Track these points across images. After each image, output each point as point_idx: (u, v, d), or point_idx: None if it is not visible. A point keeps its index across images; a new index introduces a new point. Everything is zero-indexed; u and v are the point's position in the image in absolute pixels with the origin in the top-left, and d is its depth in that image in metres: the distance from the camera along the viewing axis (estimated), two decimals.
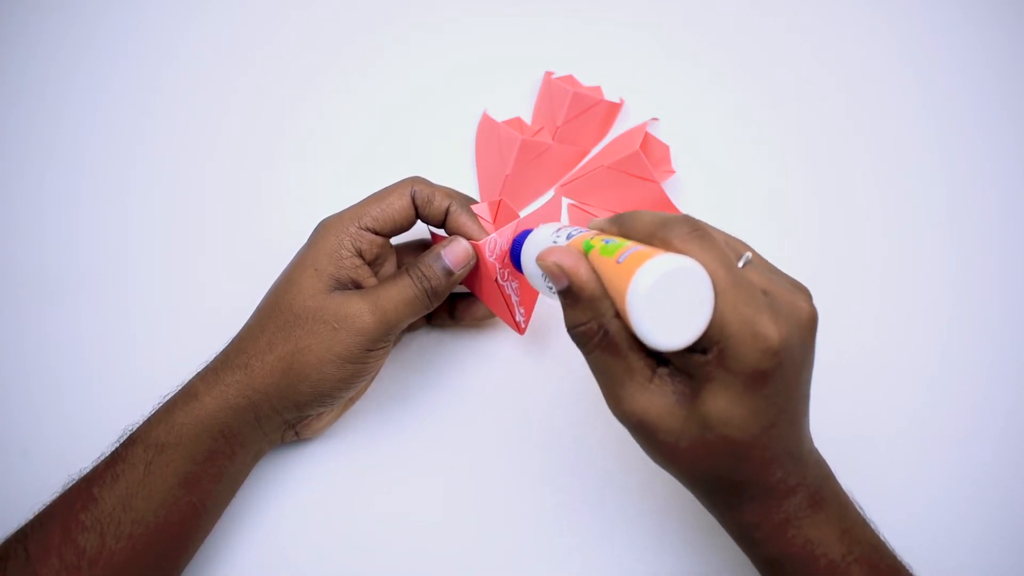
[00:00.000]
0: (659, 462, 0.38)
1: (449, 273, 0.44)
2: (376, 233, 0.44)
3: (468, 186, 0.58)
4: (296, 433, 0.47)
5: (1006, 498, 0.49)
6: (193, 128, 0.60)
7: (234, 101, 0.61)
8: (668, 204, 0.56)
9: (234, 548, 0.47)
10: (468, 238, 0.45)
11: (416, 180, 0.45)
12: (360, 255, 0.44)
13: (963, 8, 0.65)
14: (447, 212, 0.45)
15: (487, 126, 0.58)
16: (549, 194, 0.58)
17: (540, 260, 0.37)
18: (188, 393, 0.42)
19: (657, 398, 0.35)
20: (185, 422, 0.41)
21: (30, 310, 0.53)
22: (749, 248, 0.37)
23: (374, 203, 0.44)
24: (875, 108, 0.61)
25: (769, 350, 0.33)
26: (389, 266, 0.48)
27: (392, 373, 0.51)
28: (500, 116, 0.59)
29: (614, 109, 0.59)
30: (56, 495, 0.41)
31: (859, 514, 0.39)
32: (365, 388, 0.50)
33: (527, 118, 0.60)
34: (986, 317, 0.54)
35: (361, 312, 0.42)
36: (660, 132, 0.59)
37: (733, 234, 0.38)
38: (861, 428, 0.51)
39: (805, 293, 0.36)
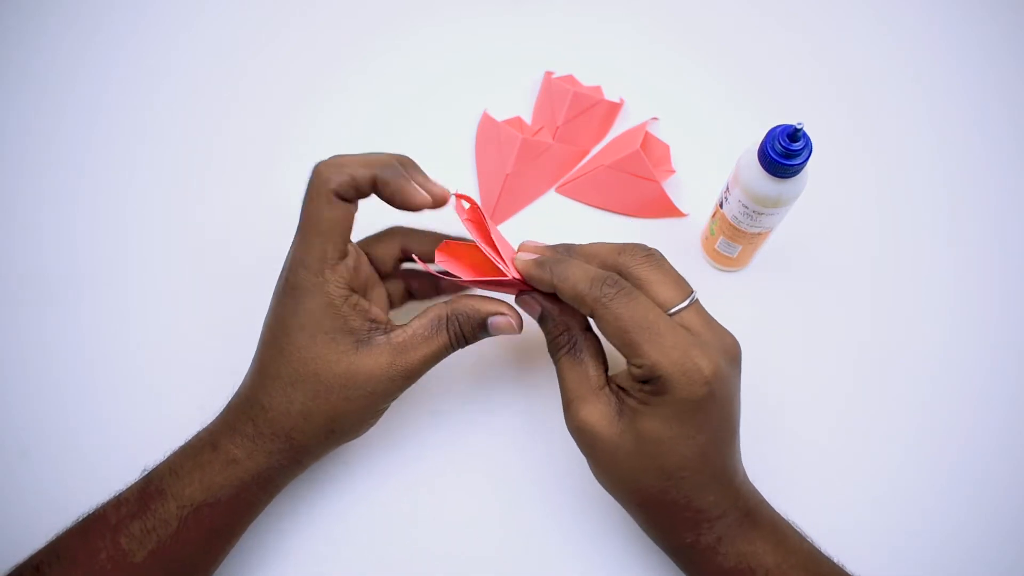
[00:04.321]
0: (602, 479, 0.41)
1: (486, 333, 0.43)
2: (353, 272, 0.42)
3: (468, 186, 0.58)
4: None
5: (1005, 500, 0.49)
6: (194, 128, 0.60)
7: (234, 102, 0.61)
8: (668, 203, 0.56)
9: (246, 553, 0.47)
10: (409, 208, 0.41)
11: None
12: (354, 290, 0.41)
13: (963, 8, 0.65)
14: (375, 181, 0.41)
15: (487, 126, 0.58)
16: (549, 193, 0.58)
17: (519, 303, 0.43)
18: (225, 458, 0.40)
19: (602, 405, 0.39)
20: (224, 484, 0.40)
21: (30, 310, 0.53)
22: (692, 292, 0.40)
23: (323, 233, 0.40)
24: (875, 108, 0.61)
25: (700, 380, 0.37)
26: (364, 265, 0.45)
27: None
28: (500, 116, 0.59)
29: (614, 109, 0.59)
30: (69, 528, 0.40)
31: (794, 529, 0.41)
32: None
33: (527, 118, 0.60)
34: (986, 318, 0.54)
35: (395, 379, 0.41)
36: (660, 132, 0.59)
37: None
38: (858, 427, 0.51)
39: (731, 335, 0.40)
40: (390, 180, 0.40)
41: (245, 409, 0.41)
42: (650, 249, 0.41)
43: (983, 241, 0.56)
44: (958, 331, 0.54)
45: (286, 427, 0.41)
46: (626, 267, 0.40)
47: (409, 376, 0.41)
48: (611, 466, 0.40)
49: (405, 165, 0.41)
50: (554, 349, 0.42)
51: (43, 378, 0.52)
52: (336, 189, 0.39)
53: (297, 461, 0.42)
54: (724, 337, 0.40)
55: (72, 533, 0.40)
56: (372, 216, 0.45)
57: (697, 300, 0.40)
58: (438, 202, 0.41)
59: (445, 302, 0.43)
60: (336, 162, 0.40)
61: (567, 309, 0.42)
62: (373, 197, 0.41)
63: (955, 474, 0.50)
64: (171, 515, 0.39)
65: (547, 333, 0.42)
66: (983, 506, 0.49)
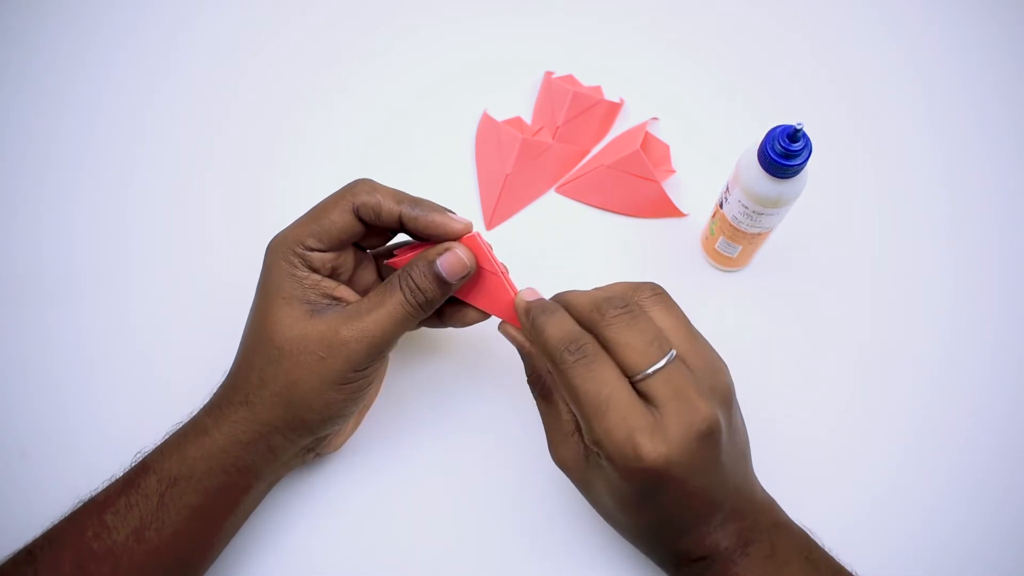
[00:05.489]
0: (593, 507, 0.42)
1: (445, 283, 0.41)
2: (324, 250, 0.41)
3: (468, 186, 0.58)
4: (316, 454, 0.46)
5: (1005, 500, 0.49)
6: (194, 128, 0.60)
7: (234, 102, 0.61)
8: (668, 203, 0.56)
9: (245, 565, 0.47)
10: (449, 236, 0.41)
11: (358, 190, 0.41)
12: (316, 271, 0.41)
13: (963, 8, 0.65)
14: (401, 218, 0.41)
15: (487, 126, 0.58)
16: (549, 193, 0.58)
17: (502, 331, 0.43)
18: (198, 428, 0.41)
19: (572, 451, 0.40)
20: (197, 456, 0.40)
21: (30, 310, 0.53)
22: (671, 349, 0.37)
23: (312, 222, 0.41)
24: (875, 108, 0.61)
25: (637, 468, 0.35)
26: (367, 273, 0.45)
27: (399, 379, 0.51)
28: (500, 116, 0.59)
29: (614, 109, 0.59)
30: (64, 515, 0.41)
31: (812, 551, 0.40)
32: (375, 395, 0.49)
33: (527, 118, 0.60)
34: (986, 318, 0.54)
35: (347, 341, 0.40)
36: (660, 132, 0.59)
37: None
38: (858, 427, 0.51)
39: (707, 404, 0.36)
40: (419, 216, 0.41)
41: (223, 382, 0.43)
42: (629, 301, 0.38)
43: (983, 241, 0.56)
44: (958, 331, 0.54)
45: (246, 392, 0.41)
46: (596, 326, 0.37)
47: (364, 338, 0.40)
48: (594, 502, 0.41)
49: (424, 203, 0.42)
50: (530, 385, 0.43)
51: (43, 378, 0.52)
52: (357, 205, 0.41)
53: (262, 437, 0.41)
54: (697, 407, 0.35)
55: (65, 518, 0.41)
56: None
57: (676, 360, 0.36)
58: (466, 230, 0.41)
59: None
60: (372, 186, 0.42)
61: (535, 348, 0.42)
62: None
63: (955, 474, 0.50)
64: (151, 490, 0.40)
65: (525, 368, 0.43)
66: (983, 506, 0.49)
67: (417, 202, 0.41)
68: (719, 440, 0.36)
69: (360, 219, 0.41)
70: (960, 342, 0.53)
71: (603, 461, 0.37)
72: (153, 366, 0.52)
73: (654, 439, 0.35)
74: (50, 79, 0.61)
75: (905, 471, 0.50)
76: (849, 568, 0.40)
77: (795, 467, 0.49)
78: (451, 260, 0.40)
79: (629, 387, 0.36)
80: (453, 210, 0.43)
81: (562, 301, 0.40)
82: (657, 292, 0.39)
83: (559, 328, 0.37)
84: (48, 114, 0.60)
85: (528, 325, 0.39)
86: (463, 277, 0.41)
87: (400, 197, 0.41)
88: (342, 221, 0.41)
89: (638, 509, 0.38)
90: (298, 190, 0.57)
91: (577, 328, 0.38)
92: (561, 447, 0.40)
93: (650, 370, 0.36)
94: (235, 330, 0.46)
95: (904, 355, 0.53)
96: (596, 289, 0.41)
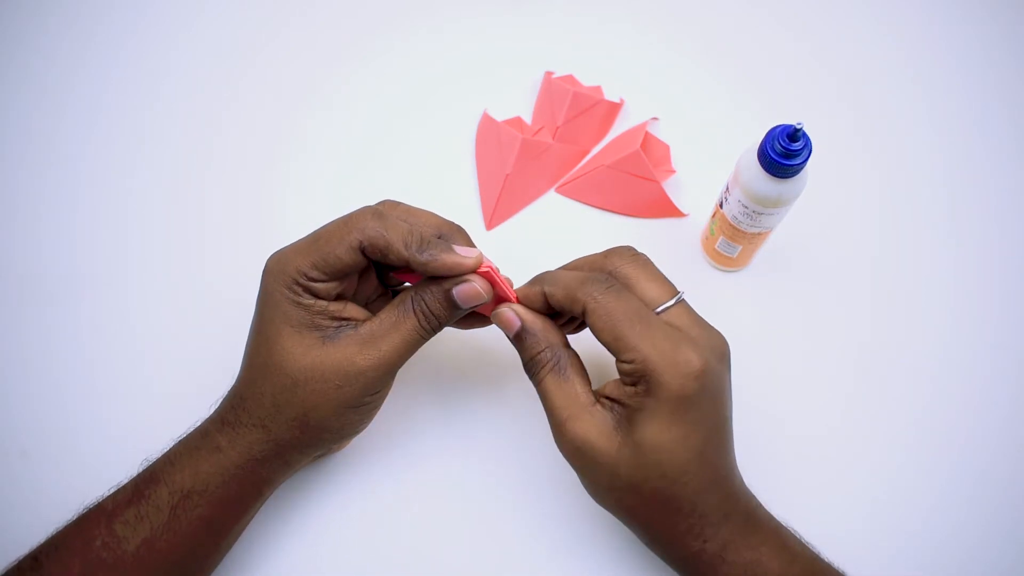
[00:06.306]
0: (601, 496, 0.40)
1: (457, 308, 0.41)
2: (328, 281, 0.40)
3: (468, 186, 0.58)
4: (322, 454, 0.46)
5: (1005, 500, 0.49)
6: (195, 128, 0.60)
7: (234, 102, 0.61)
8: (668, 203, 0.56)
9: (248, 565, 0.47)
10: (461, 274, 0.40)
11: (366, 226, 0.39)
12: (321, 297, 0.40)
13: (963, 8, 0.65)
14: (410, 264, 0.39)
15: (487, 126, 0.58)
16: (549, 193, 0.58)
17: (494, 317, 0.42)
18: (211, 445, 0.41)
19: (598, 420, 0.39)
20: (211, 472, 0.40)
21: (30, 310, 0.53)
22: (679, 292, 0.41)
23: (315, 252, 0.39)
24: (875, 108, 0.61)
25: (691, 374, 0.37)
26: (369, 282, 0.44)
27: (402, 377, 0.51)
28: (500, 116, 0.59)
29: (614, 109, 0.59)
30: (69, 522, 0.41)
31: (793, 534, 0.41)
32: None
33: (527, 118, 0.60)
34: (986, 318, 0.54)
35: (364, 370, 0.40)
36: (660, 132, 0.59)
37: None
38: (857, 427, 0.51)
39: (720, 334, 0.40)
40: (429, 262, 0.39)
41: (230, 399, 0.42)
42: (636, 251, 0.42)
43: (983, 241, 0.56)
44: (958, 331, 0.54)
45: (260, 417, 0.40)
46: (614, 267, 0.41)
47: (381, 365, 0.40)
48: (612, 481, 0.38)
49: (451, 234, 0.42)
50: (535, 367, 0.41)
51: (43, 378, 0.52)
52: (364, 244, 0.39)
53: (279, 454, 0.41)
54: (712, 335, 0.40)
55: (71, 524, 0.40)
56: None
57: (684, 300, 0.40)
58: (478, 264, 0.40)
59: (412, 286, 0.42)
60: (381, 223, 0.39)
61: (548, 324, 0.41)
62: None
63: (955, 474, 0.50)
64: (163, 502, 0.39)
65: (525, 351, 0.41)
66: (983, 506, 0.49)
67: (426, 245, 0.39)
68: (729, 368, 0.40)
69: (366, 255, 0.40)
70: (960, 342, 0.54)
71: (650, 385, 0.36)
72: (153, 366, 0.52)
73: (695, 349, 0.37)
74: (50, 79, 0.61)
75: (905, 471, 0.50)
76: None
77: (794, 467, 0.49)
78: (469, 291, 0.40)
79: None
80: (457, 222, 0.43)
81: (568, 265, 0.43)
82: (635, 257, 0.42)
83: (576, 274, 0.40)
84: (48, 114, 0.60)
85: (538, 288, 0.41)
86: (477, 305, 0.41)
87: (408, 239, 0.39)
88: (348, 258, 0.39)
89: (681, 442, 0.37)
90: (298, 190, 0.58)
91: (596, 264, 0.41)
92: (579, 423, 0.38)
93: (670, 302, 0.40)
94: (235, 331, 0.46)
95: (904, 355, 0.53)
96: (567, 267, 0.43)
